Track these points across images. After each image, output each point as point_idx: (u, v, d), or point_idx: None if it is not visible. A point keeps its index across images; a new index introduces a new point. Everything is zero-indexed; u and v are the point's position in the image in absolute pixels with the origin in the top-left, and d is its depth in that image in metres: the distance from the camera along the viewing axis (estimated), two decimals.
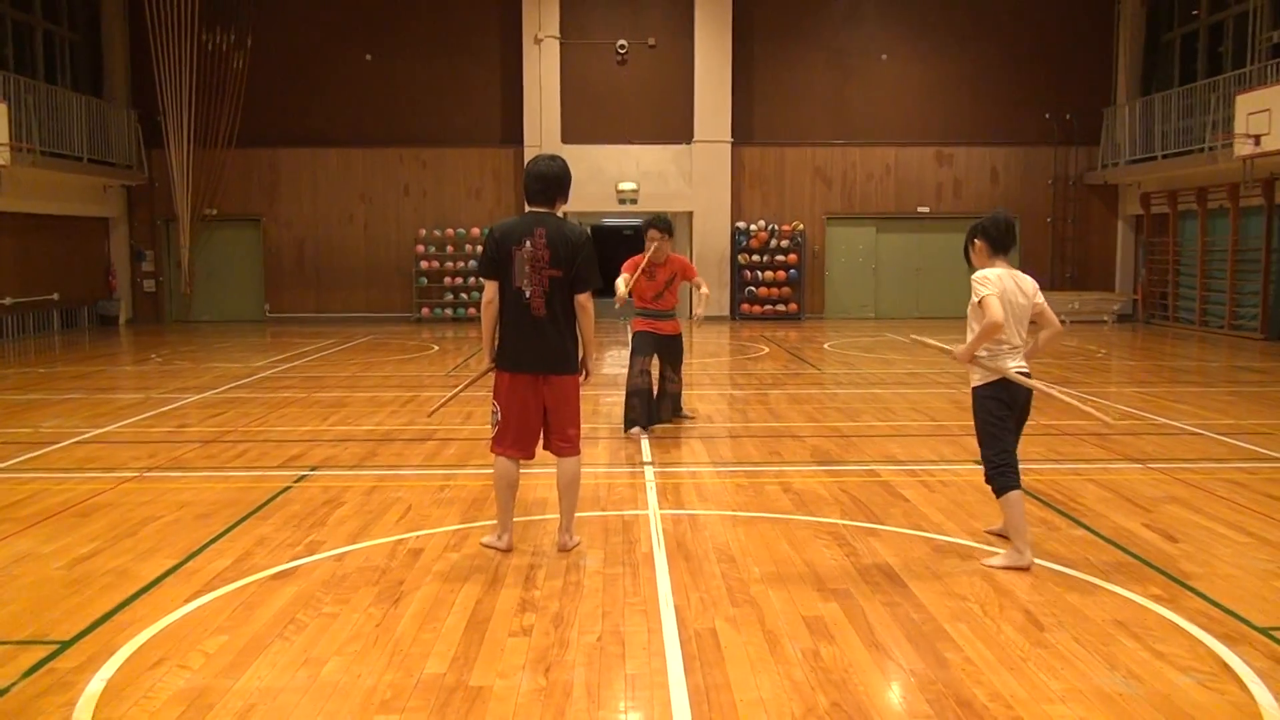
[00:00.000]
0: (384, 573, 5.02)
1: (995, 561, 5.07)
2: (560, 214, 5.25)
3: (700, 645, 4.10)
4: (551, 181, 5.13)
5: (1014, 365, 5.01)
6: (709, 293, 8.48)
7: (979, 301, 4.93)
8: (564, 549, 5.35)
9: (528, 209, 5.23)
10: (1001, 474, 5.00)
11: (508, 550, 5.26)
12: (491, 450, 5.25)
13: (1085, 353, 15.13)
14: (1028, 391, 5.06)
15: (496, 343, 5.17)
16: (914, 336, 5.97)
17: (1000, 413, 5.04)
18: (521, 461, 5.29)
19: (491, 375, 5.27)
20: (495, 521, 5.44)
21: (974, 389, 5.13)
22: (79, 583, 4.88)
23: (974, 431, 5.22)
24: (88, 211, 20.59)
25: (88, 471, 7.31)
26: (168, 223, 21.88)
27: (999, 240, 5.10)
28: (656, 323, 8.56)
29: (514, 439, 5.16)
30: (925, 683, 3.75)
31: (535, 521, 5.90)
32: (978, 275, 5.00)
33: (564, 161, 5.20)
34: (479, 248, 21.46)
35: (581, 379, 5.30)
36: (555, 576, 4.96)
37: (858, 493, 6.62)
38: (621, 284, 8.24)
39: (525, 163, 21.01)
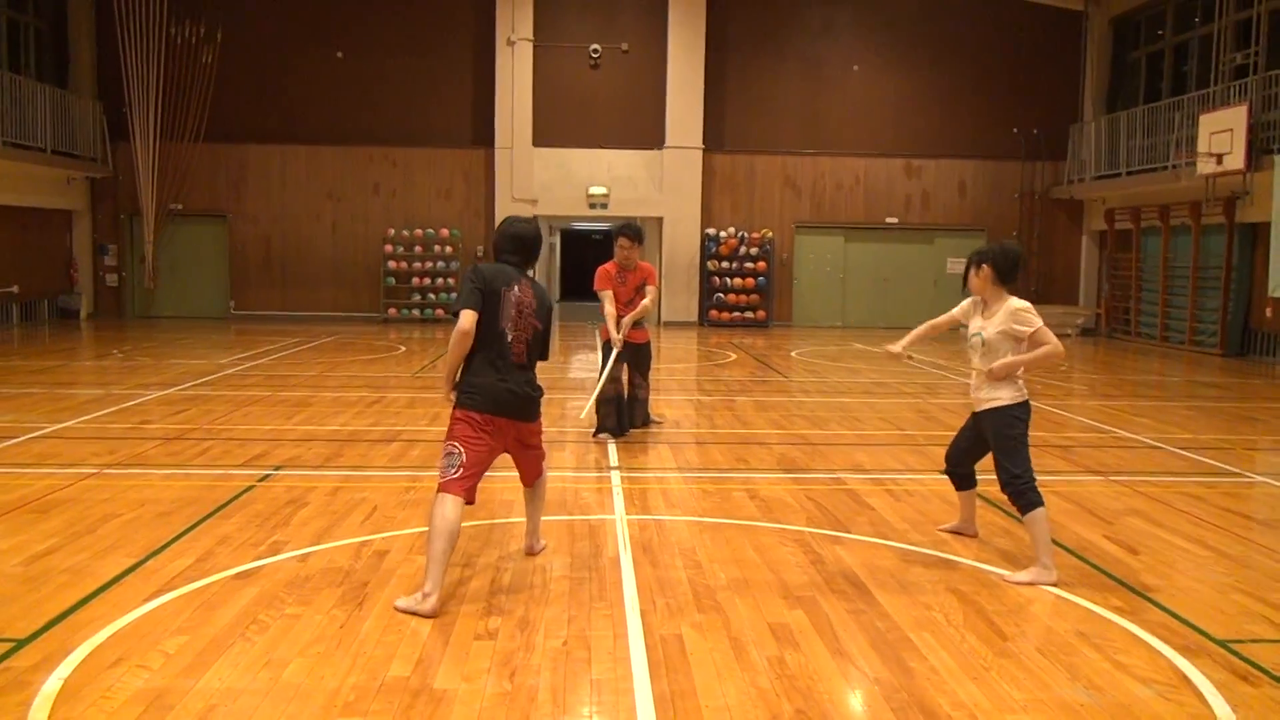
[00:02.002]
0: (348, 574, 4.98)
1: (1021, 577, 5.03)
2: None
3: (666, 651, 4.10)
4: (528, 243, 4.99)
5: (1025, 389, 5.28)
6: (650, 304, 8.50)
7: (1034, 332, 5.10)
8: (531, 552, 5.33)
9: (497, 264, 4.97)
10: (1030, 490, 5.09)
11: (433, 616, 4.41)
12: (446, 491, 4.61)
13: (1048, 366, 15.27)
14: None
15: (462, 379, 4.81)
16: (905, 355, 5.81)
17: (1024, 430, 5.20)
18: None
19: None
20: (426, 578, 4.52)
21: (1000, 408, 5.22)
22: (36, 580, 4.80)
23: (945, 443, 5.26)
24: (50, 204, 20.28)
25: (46, 467, 7.19)
26: (132, 217, 21.60)
27: (1008, 273, 5.24)
28: (629, 330, 8.55)
29: (474, 482, 4.76)
30: (890, 691, 3.77)
31: (500, 525, 5.87)
32: (1023, 305, 5.18)
33: (537, 223, 5.13)
34: (448, 248, 21.50)
35: None
36: (521, 580, 4.94)
37: (824, 501, 6.65)
38: (612, 324, 8.28)
39: (489, 161, 21.04)
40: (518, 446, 4.99)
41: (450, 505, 4.59)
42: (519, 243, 4.96)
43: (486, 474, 4.91)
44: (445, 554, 4.54)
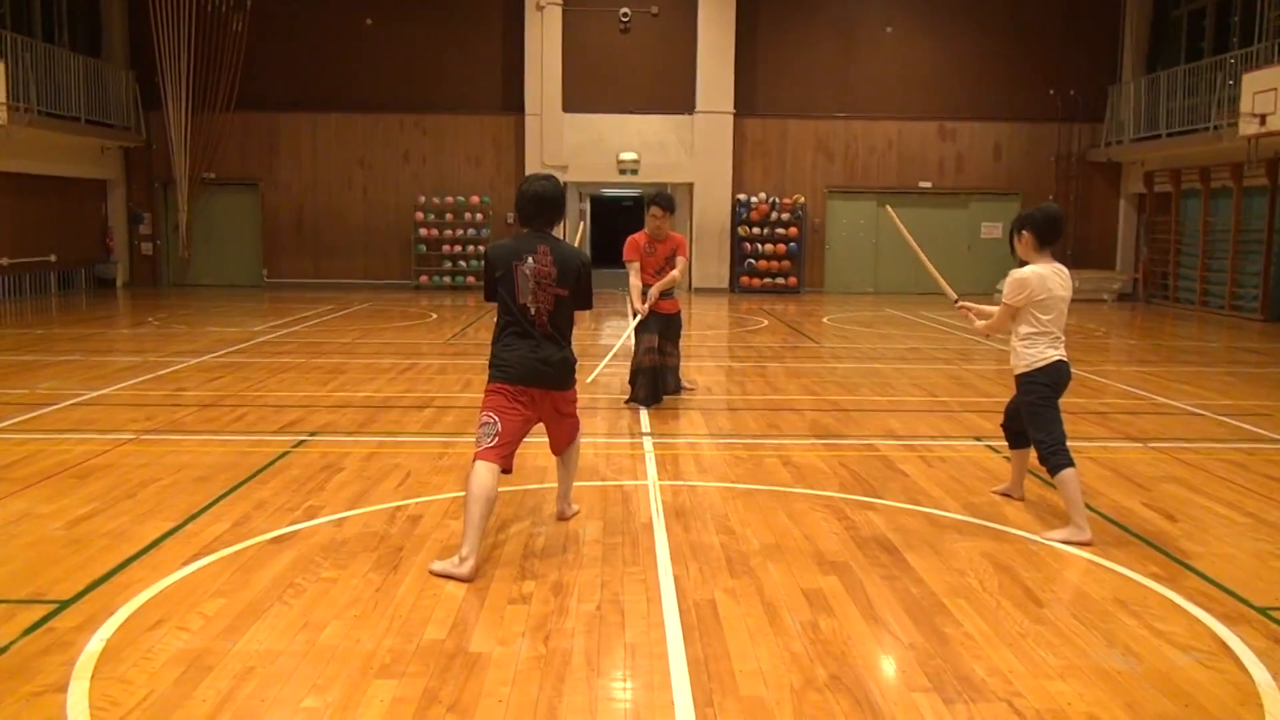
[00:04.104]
0: (383, 539, 5.01)
1: (1056, 535, 5.12)
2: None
3: (699, 615, 4.10)
4: (549, 202, 4.92)
5: (1055, 353, 5.24)
6: (679, 275, 8.48)
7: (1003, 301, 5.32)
8: (563, 517, 5.35)
9: (523, 230, 4.95)
10: (1056, 453, 5.14)
11: (469, 580, 4.45)
12: (482, 458, 4.65)
13: (1085, 331, 15.12)
14: (1069, 374, 5.32)
15: (495, 352, 4.85)
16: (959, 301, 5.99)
17: (1047, 395, 5.23)
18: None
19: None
20: (464, 541, 4.55)
21: (1021, 374, 5.31)
22: (78, 543, 4.87)
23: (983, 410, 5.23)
24: (85, 173, 20.45)
25: (85, 433, 7.29)
26: (165, 185, 21.74)
27: (1047, 234, 5.27)
28: (658, 301, 8.53)
29: (510, 450, 4.80)
30: (924, 656, 3.76)
31: (533, 490, 5.89)
32: (1017, 274, 5.25)
33: (558, 180, 5.06)
34: (478, 215, 21.51)
35: None
36: (554, 545, 4.96)
37: (856, 467, 6.62)
38: (637, 296, 8.33)
39: (518, 128, 20.94)
40: (552, 414, 5.00)
41: (487, 472, 4.64)
42: (541, 202, 4.91)
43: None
44: (482, 519, 4.58)
